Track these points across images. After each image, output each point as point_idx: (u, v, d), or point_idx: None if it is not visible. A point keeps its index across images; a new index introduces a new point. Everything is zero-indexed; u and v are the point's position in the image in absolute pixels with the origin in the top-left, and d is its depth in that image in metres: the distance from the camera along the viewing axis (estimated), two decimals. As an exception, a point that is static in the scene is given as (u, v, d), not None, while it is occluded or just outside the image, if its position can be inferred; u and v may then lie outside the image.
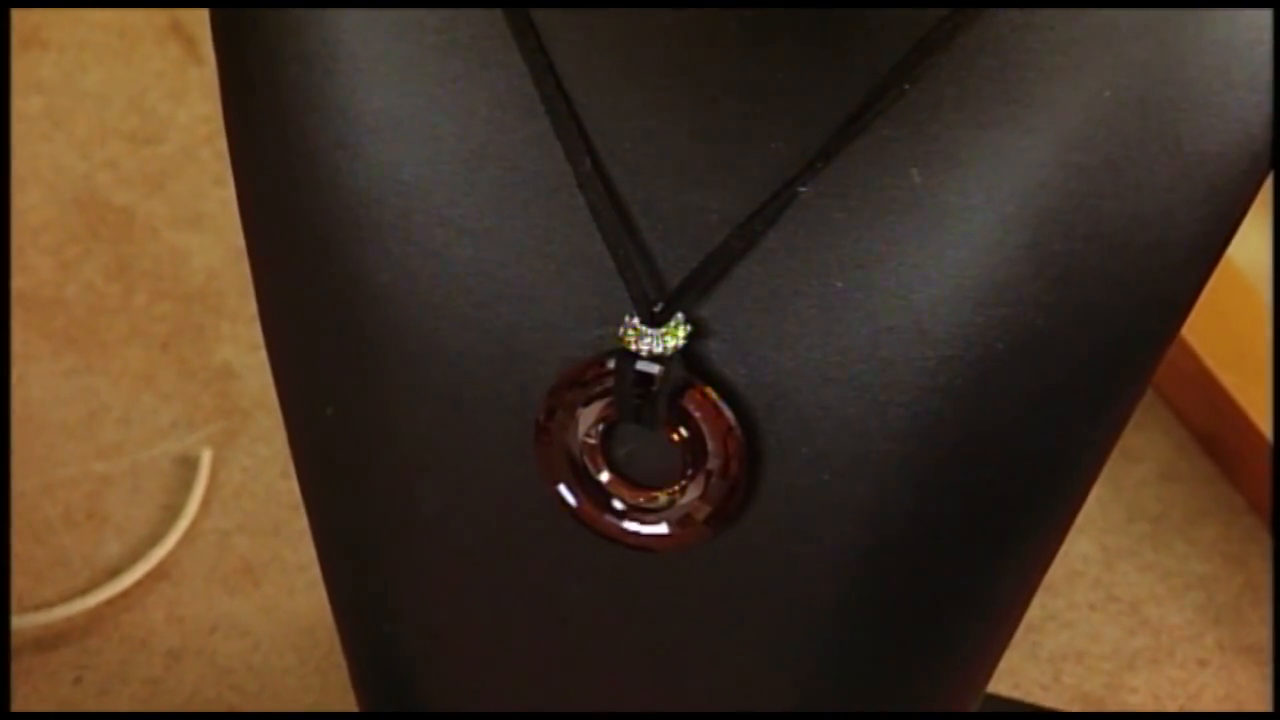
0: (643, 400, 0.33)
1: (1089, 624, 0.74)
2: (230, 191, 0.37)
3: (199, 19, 0.93)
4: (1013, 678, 0.72)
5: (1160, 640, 0.74)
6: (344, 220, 0.34)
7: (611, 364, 0.33)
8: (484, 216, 0.33)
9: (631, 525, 0.35)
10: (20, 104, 0.90)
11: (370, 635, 0.40)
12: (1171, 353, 0.35)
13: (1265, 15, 0.30)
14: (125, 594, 0.74)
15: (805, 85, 0.31)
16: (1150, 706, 0.71)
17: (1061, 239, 0.31)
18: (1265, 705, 0.71)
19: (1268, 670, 0.72)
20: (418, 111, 0.33)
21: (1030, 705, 0.69)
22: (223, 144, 0.37)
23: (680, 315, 0.32)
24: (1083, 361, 0.33)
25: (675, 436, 0.33)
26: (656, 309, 0.32)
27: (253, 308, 0.39)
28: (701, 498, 0.34)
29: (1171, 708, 0.71)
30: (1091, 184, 0.31)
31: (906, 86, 0.30)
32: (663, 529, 0.34)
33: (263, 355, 0.39)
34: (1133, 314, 0.32)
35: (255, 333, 0.75)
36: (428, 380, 0.35)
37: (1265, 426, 0.74)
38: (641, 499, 0.34)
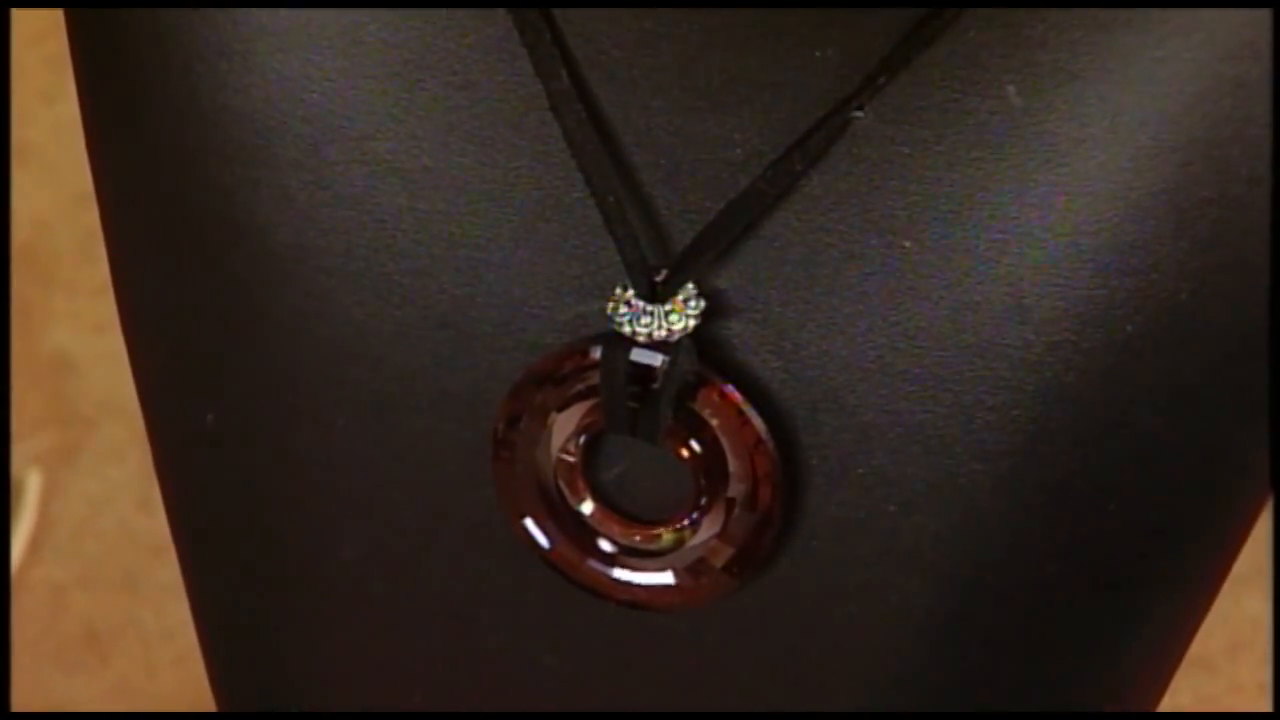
0: (640, 403, 0.33)
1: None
2: (67, 111, 0.37)
3: None
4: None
5: (1356, 733, 0.74)
6: (231, 156, 0.35)
7: (597, 353, 0.33)
8: (422, 151, 0.34)
9: (624, 574, 0.35)
10: None
11: (266, 725, 0.41)
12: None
13: None
14: (-76, 671, 0.74)
15: (862, -29, 0.31)
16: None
17: (1213, 182, 0.32)
18: None
19: None
20: (331, 9, 0.33)
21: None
22: (58, 45, 0.37)
23: (691, 287, 0.33)
24: (1241, 349, 0.33)
25: (684, 452, 0.34)
26: (658, 278, 0.33)
27: (100, 274, 0.39)
28: (720, 536, 0.34)
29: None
30: (1254, 106, 0.31)
31: (1000, -27, 0.31)
32: (667, 579, 0.35)
33: (113, 340, 0.39)
34: (1308, 285, 0.33)
35: (102, 308, 0.76)
36: (346, 376, 0.35)
37: None
38: (638, 538, 0.35)
